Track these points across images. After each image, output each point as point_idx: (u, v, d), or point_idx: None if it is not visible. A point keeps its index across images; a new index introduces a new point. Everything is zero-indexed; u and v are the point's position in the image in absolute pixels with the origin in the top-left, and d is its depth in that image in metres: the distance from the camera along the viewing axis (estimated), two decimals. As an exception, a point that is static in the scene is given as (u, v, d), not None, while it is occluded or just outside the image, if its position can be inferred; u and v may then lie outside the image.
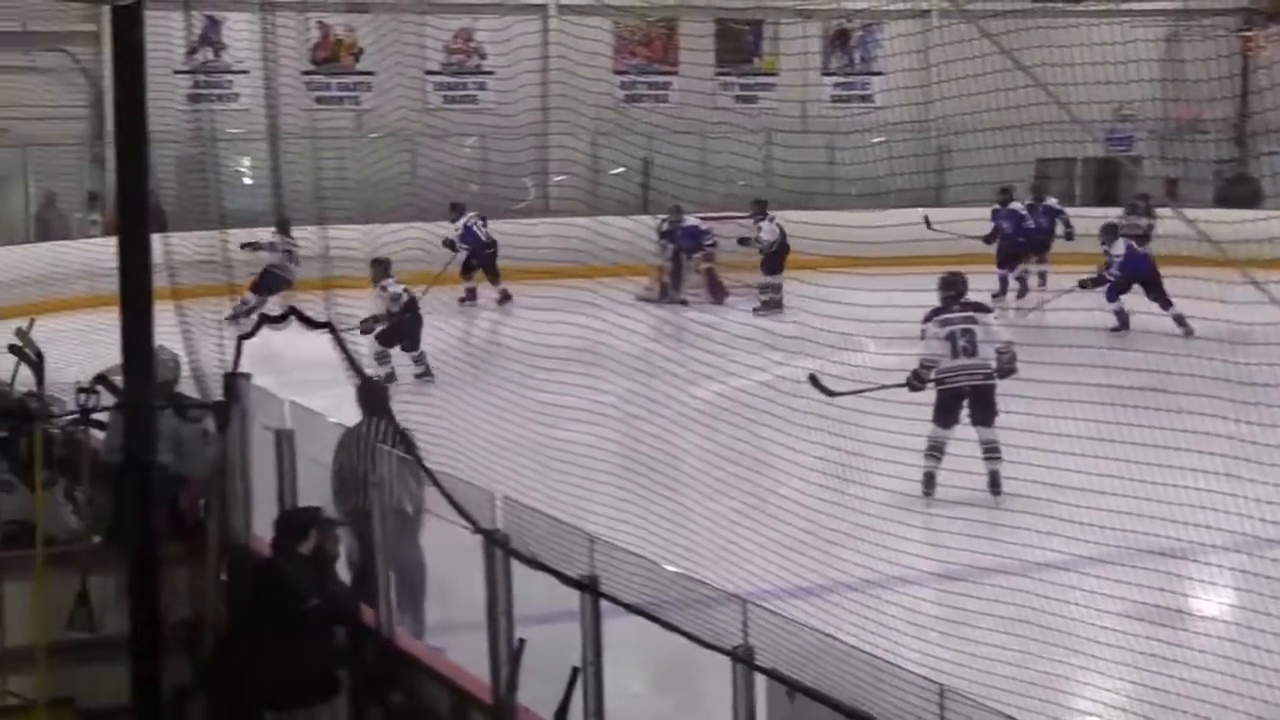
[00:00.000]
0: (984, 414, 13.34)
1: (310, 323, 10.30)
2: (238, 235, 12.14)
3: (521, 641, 7.52)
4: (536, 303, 14.15)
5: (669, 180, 24.05)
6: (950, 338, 13.58)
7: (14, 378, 15.15)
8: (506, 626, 7.58)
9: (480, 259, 24.46)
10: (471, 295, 23.96)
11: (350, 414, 10.48)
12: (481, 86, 30.15)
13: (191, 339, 11.71)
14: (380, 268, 18.86)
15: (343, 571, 9.53)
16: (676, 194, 24.08)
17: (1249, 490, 8.41)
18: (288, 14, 20.20)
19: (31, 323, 17.33)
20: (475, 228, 24.57)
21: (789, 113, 31.31)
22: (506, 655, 7.56)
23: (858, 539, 10.37)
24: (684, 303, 24.19)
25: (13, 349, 16.28)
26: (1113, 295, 20.69)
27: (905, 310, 11.98)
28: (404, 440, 9.64)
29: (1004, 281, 24.42)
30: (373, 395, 10.12)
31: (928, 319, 13.84)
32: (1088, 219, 23.80)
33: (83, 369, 13.81)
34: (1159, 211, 23.64)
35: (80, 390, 11.34)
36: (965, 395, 13.46)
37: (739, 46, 31.67)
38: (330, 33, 29.32)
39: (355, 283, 18.34)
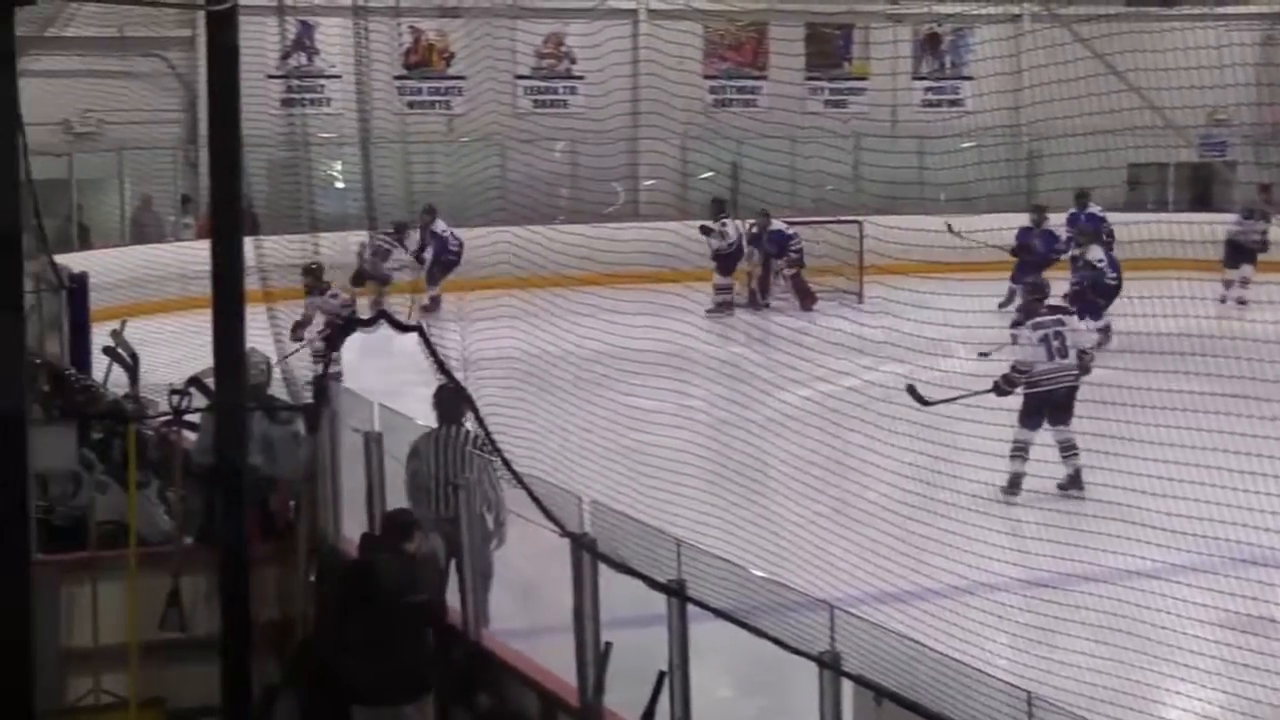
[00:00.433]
0: (1065, 415, 13.43)
1: (399, 325, 10.35)
2: (329, 239, 12.21)
3: (608, 645, 7.53)
4: (625, 307, 14.14)
5: (758, 185, 24.00)
6: (1045, 341, 13.63)
7: (107, 379, 15.31)
8: (593, 630, 7.59)
9: (445, 266, 23.81)
10: (435, 304, 22.48)
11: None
12: (572, 91, 30.19)
13: (282, 342, 11.79)
14: (315, 275, 18.92)
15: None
16: (765, 199, 24.04)
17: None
18: (380, 19, 20.32)
19: (123, 324, 17.53)
20: (445, 234, 24.21)
21: (879, 117, 31.19)
22: (593, 658, 7.56)
23: (945, 544, 10.30)
24: (767, 306, 24.16)
25: (107, 351, 16.47)
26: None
27: (995, 315, 11.91)
28: (485, 446, 9.67)
29: (1011, 294, 24.04)
30: (449, 402, 10.14)
31: (1017, 324, 13.86)
32: (1183, 225, 23.53)
33: (176, 371, 13.95)
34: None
35: (173, 392, 11.44)
36: (1058, 396, 13.42)
37: (829, 51, 31.58)
38: (422, 37, 29.45)
39: (444, 286, 18.44)
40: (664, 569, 6.91)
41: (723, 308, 23.71)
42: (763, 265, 24.93)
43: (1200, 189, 31.79)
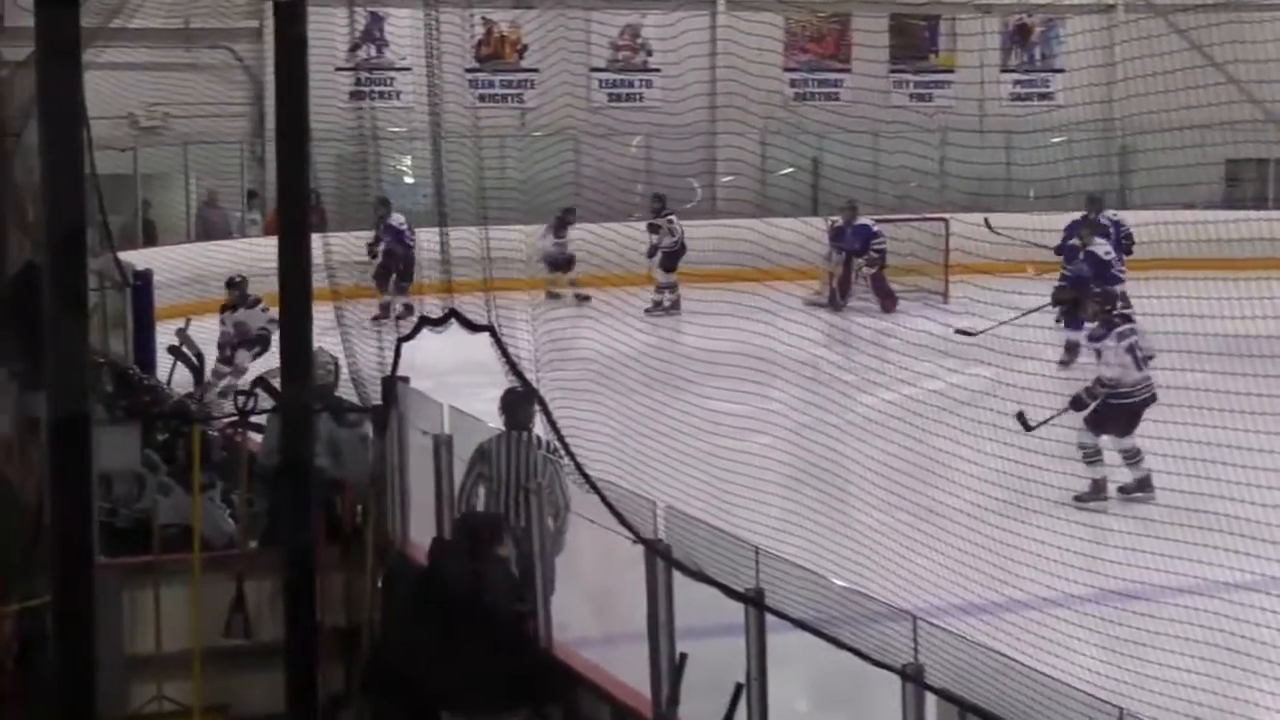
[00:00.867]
0: (1133, 426, 13.40)
1: (470, 325, 10.37)
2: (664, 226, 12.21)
3: (683, 656, 7.52)
4: (703, 307, 14.13)
5: (840, 181, 23.94)
6: (1131, 350, 13.57)
7: (170, 378, 15.42)
8: (668, 640, 7.58)
9: (400, 265, 22.99)
10: (385, 312, 20.43)
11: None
12: (648, 84, 30.21)
13: (350, 341, 11.84)
14: (240, 288, 18.87)
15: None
16: (847, 195, 23.96)
17: None
18: (451, 10, 20.35)
19: (188, 323, 17.67)
20: (402, 228, 23.41)
21: (966, 111, 31.07)
22: (668, 669, 7.56)
23: (1033, 554, 10.24)
24: (846, 306, 24.09)
25: (172, 350, 16.61)
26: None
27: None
28: (555, 452, 9.68)
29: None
30: (517, 407, 10.15)
31: (1097, 336, 13.75)
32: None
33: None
34: None
35: (238, 393, 11.52)
36: (1145, 404, 13.41)
37: (914, 42, 31.47)
38: (494, 29, 29.53)
39: (517, 285, 18.44)
40: (741, 577, 6.89)
41: (659, 307, 23.45)
42: (844, 264, 24.84)
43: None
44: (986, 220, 19.93)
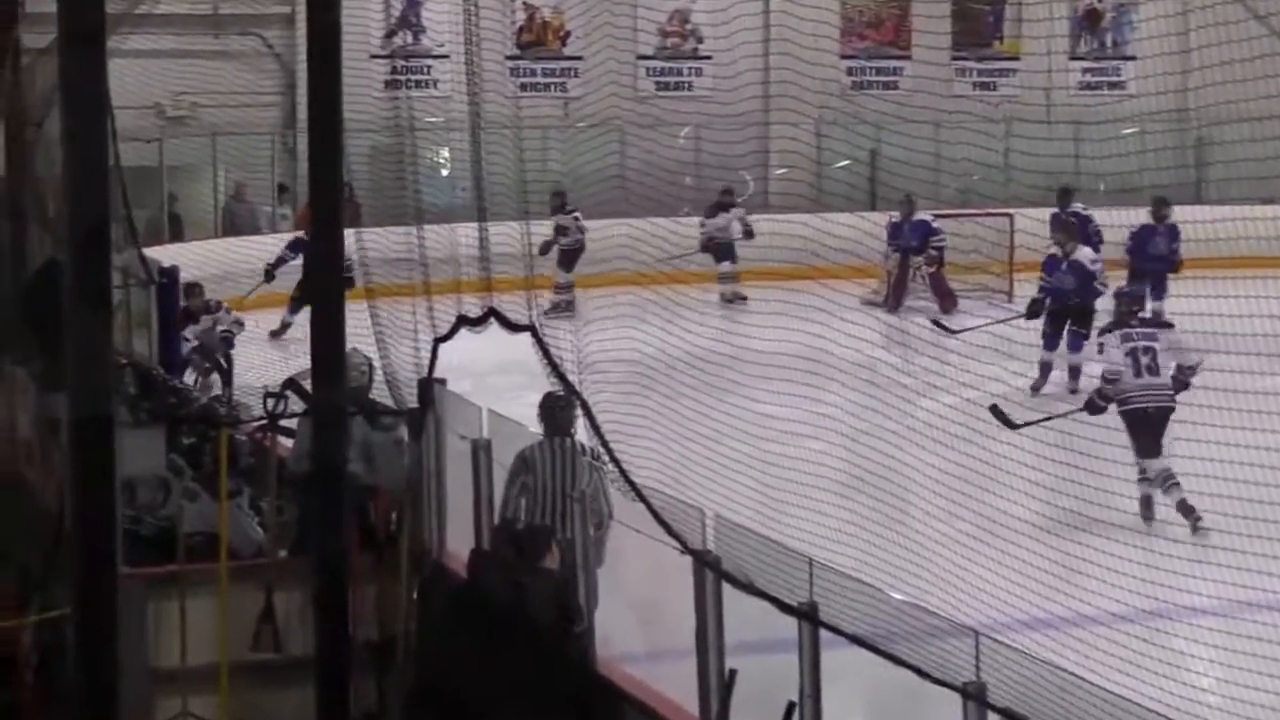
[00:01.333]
0: (1154, 444, 13.00)
1: (510, 325, 10.39)
2: (435, 231, 12.28)
3: (733, 672, 7.52)
4: (753, 305, 14.13)
5: (899, 174, 23.89)
6: (1132, 354, 13.23)
7: (197, 380, 15.48)
8: (717, 655, 7.59)
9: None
10: (285, 328, 21.53)
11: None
12: (698, 72, 30.20)
13: (385, 342, 11.87)
14: (198, 294, 18.56)
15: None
16: (907, 188, 23.90)
17: None
18: (491, -6, 20.42)
19: (215, 323, 17.73)
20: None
21: (1032, 100, 30.96)
22: (717, 686, 7.56)
23: (1103, 566, 10.21)
24: (910, 308, 24.00)
25: (198, 350, 16.66)
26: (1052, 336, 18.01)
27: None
28: (599, 458, 9.68)
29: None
30: (559, 412, 10.16)
31: (1106, 331, 13.56)
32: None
33: (271, 372, 14.07)
34: None
35: (268, 395, 11.55)
36: (1152, 416, 13.06)
37: (978, 28, 31.38)
38: (536, 15, 29.58)
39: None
40: (794, 590, 6.89)
41: (558, 309, 22.92)
42: (900, 261, 24.76)
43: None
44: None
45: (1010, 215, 24.28)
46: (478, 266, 11.09)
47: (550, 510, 9.87)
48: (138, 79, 23.69)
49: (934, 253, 24.34)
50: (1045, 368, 17.22)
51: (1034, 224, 19.80)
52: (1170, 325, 13.99)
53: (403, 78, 26.16)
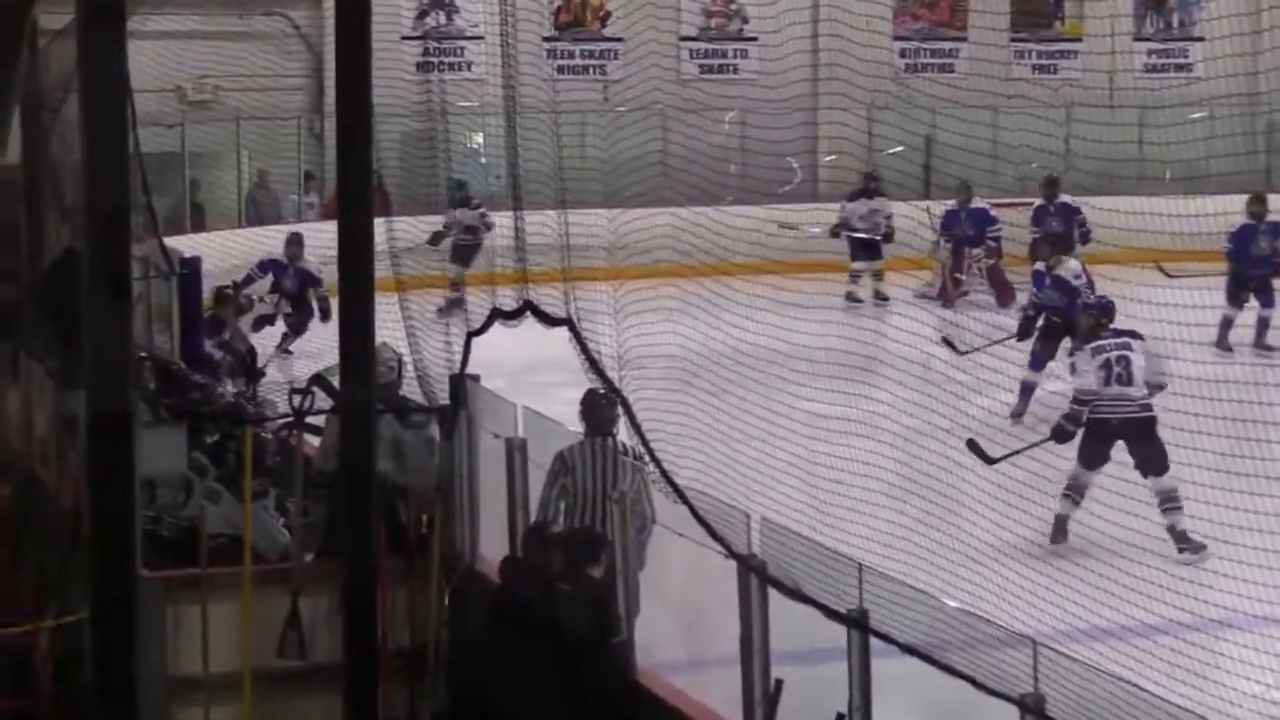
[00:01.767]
0: (1151, 457, 12.64)
1: (547, 319, 10.40)
2: (468, 219, 12.31)
3: (779, 682, 7.52)
4: (801, 299, 14.11)
5: (954, 161, 23.83)
6: (1105, 366, 12.97)
7: (220, 375, 15.50)
8: (762, 664, 7.59)
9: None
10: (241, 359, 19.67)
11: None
12: (743, 55, 30.20)
13: (416, 336, 11.90)
14: (232, 303, 18.10)
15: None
16: (962, 176, 23.84)
17: None
18: (528, -28, 20.44)
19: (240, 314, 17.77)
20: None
21: (1094, 84, 30.88)
22: (762, 697, 7.57)
23: (1168, 573, 10.18)
24: (965, 295, 23.94)
25: (222, 345, 16.71)
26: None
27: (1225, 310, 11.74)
28: (640, 458, 9.69)
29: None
30: (599, 411, 10.18)
31: (1075, 350, 13.34)
32: None
33: (297, 367, 14.11)
34: None
35: (294, 391, 11.58)
36: (1120, 431, 12.79)
37: (1038, 8, 31.32)
38: (574, -6, 29.62)
39: (597, 274, 18.49)
40: (844, 597, 6.90)
41: (454, 306, 22.36)
42: (954, 252, 24.69)
43: None
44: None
45: (1070, 204, 24.20)
46: (513, 257, 11.10)
47: (590, 513, 9.88)
48: (159, 61, 23.74)
49: (992, 243, 24.27)
50: (1027, 390, 16.38)
51: (1097, 214, 19.75)
52: (1141, 336, 13.51)
53: (435, 60, 26.26)
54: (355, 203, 10.21)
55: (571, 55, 29.42)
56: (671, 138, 25.91)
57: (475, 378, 11.12)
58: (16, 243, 16.27)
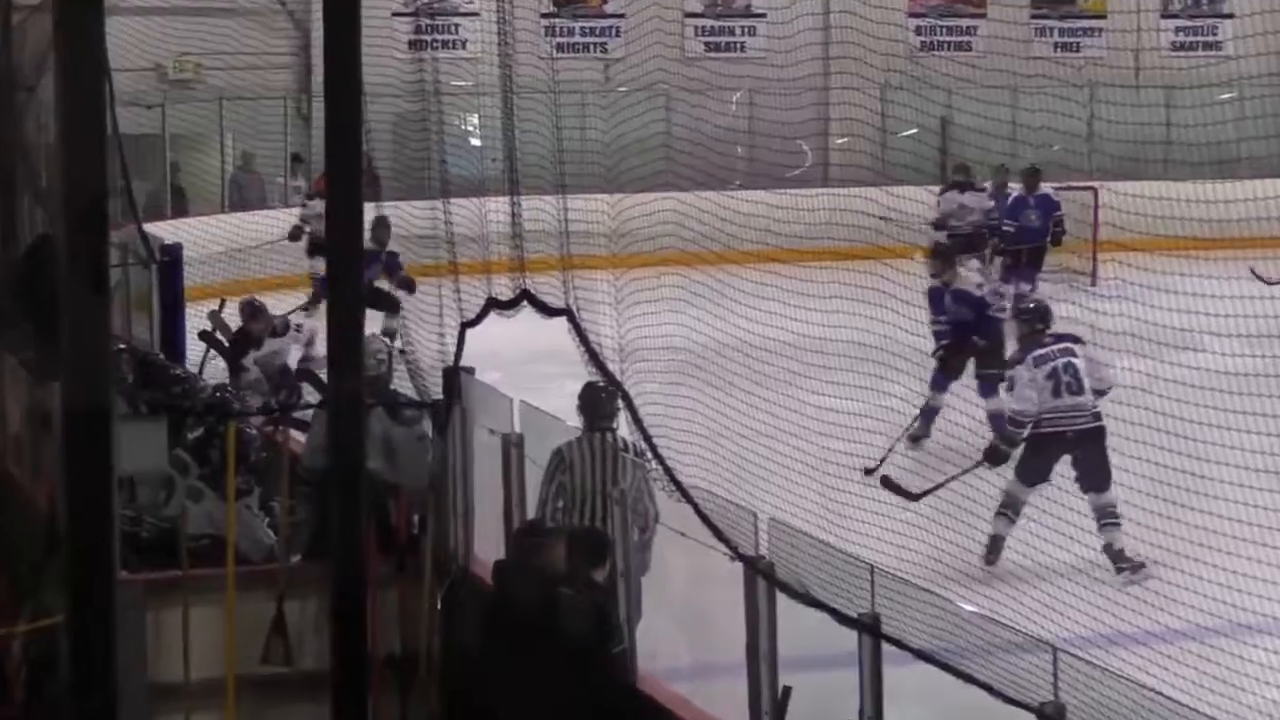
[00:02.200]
0: (1097, 470, 12.39)
1: (545, 309, 10.41)
2: (463, 205, 12.32)
3: (787, 689, 7.53)
4: (810, 289, 14.13)
5: (971, 143, 23.85)
6: (1052, 375, 12.57)
7: (203, 367, 15.53)
8: (769, 671, 7.60)
9: None
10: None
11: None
12: (751, 32, 30.22)
13: (407, 327, 11.91)
14: (264, 316, 16.78)
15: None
16: (980, 159, 23.86)
17: None
18: (525, -54, 20.44)
19: (223, 304, 17.80)
20: None
21: (1119, 63, 30.88)
22: (769, 705, 7.57)
23: (1194, 576, 10.19)
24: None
25: (204, 335, 16.71)
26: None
27: (1258, 302, 11.75)
28: (642, 455, 9.69)
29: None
30: (599, 405, 10.19)
31: (1013, 363, 12.84)
32: None
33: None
34: None
35: (280, 385, 11.58)
36: (1074, 443, 12.51)
37: (1060, -16, 31.38)
38: (574, -32, 29.64)
39: (598, 262, 18.51)
40: (854, 600, 6.90)
41: (315, 304, 21.37)
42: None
43: None
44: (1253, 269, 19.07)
45: (1094, 189, 24.21)
46: (509, 244, 11.11)
47: (590, 512, 9.89)
48: (138, 38, 23.77)
49: (1059, 230, 23.71)
50: (929, 414, 15.52)
51: (1121, 199, 19.74)
52: (1081, 340, 13.28)
53: (428, 37, 26.23)
54: (344, 187, 10.21)
55: (571, 32, 29.43)
56: (676, 119, 25.96)
57: (470, 370, 11.13)
58: (-11, 229, 16.29)
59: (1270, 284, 16.43)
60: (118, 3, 14.14)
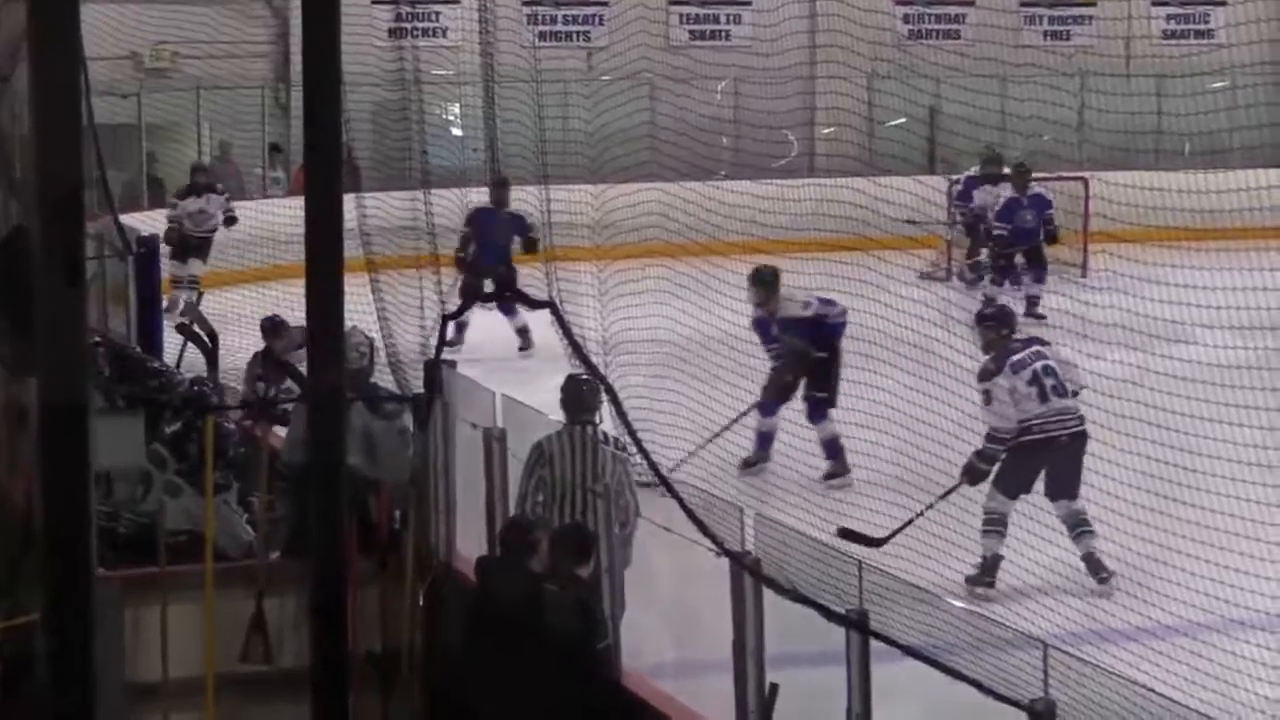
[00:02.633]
0: (1072, 480, 12.01)
1: (529, 301, 10.42)
2: (444, 196, 12.32)
3: (774, 686, 7.54)
4: (796, 281, 14.14)
5: (960, 133, 23.86)
6: (1034, 381, 12.15)
7: (180, 361, 15.50)
8: (756, 668, 7.60)
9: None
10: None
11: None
12: (736, 20, 30.20)
13: (388, 320, 11.90)
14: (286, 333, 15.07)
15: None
16: (969, 149, 23.87)
17: None
18: (506, -67, 20.40)
19: (200, 297, 17.79)
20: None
21: (1109, 52, 30.89)
22: (756, 703, 7.58)
23: (1187, 571, 10.21)
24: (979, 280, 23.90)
25: (181, 329, 16.71)
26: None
27: (1250, 294, 11.76)
28: (625, 449, 9.70)
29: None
30: (581, 398, 10.19)
31: (985, 376, 12.24)
32: None
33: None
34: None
35: (258, 379, 11.55)
36: (1062, 447, 12.11)
37: (1049, -29, 31.38)
38: (556, -46, 29.60)
39: (581, 253, 18.56)
40: (842, 596, 6.91)
41: (191, 311, 20.54)
42: (969, 231, 24.63)
43: None
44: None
45: (1085, 179, 24.19)
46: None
47: (570, 507, 9.89)
48: (114, 27, 23.73)
49: (1051, 229, 23.46)
50: (766, 438, 14.70)
51: (1111, 188, 19.77)
52: (1047, 342, 13.06)
53: (408, 25, 26.23)
54: (323, 177, 10.19)
55: (553, 20, 29.40)
56: (660, 108, 25.94)
57: (451, 364, 11.13)
58: (-38, 221, 16.25)
59: (770, 316, 14.82)
60: (93, -10, 14.12)
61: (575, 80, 26.72)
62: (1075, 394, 12.24)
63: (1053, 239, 22.27)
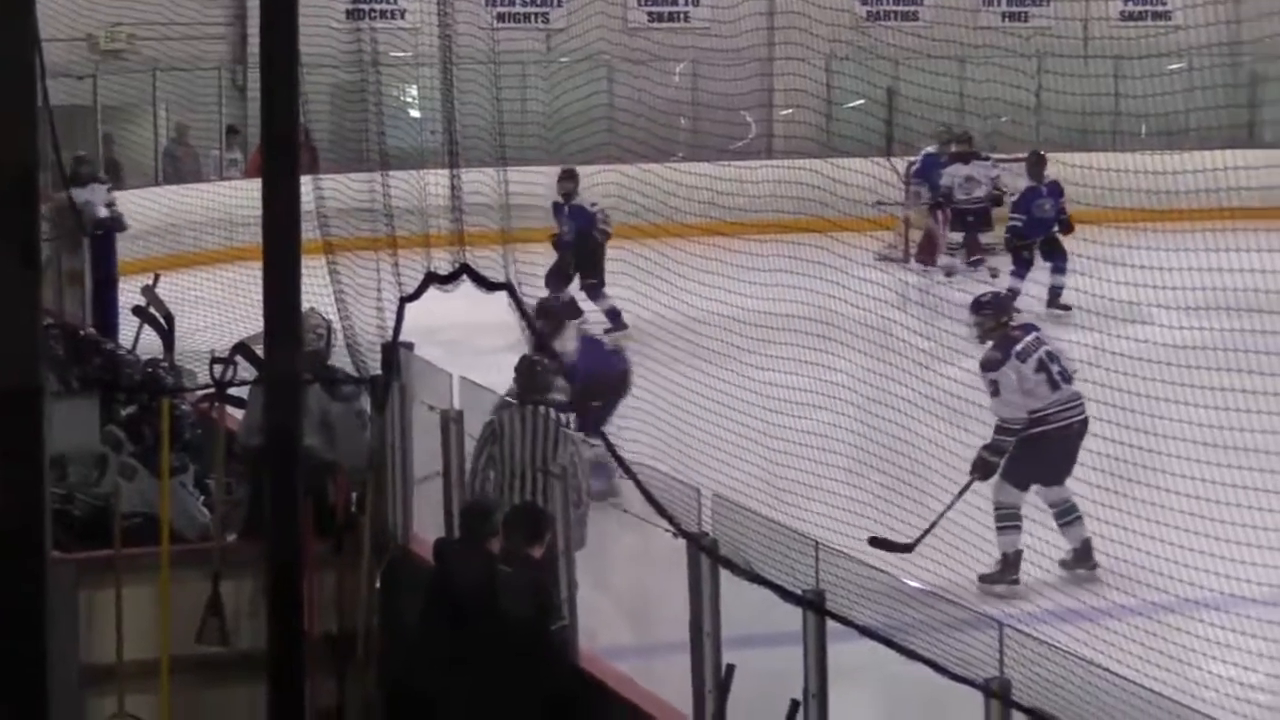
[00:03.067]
0: (1066, 466, 11.99)
1: (485, 283, 10.41)
2: (402, 178, 12.28)
3: (730, 668, 7.55)
4: (754, 262, 14.14)
5: (918, 115, 23.88)
6: (1041, 368, 12.13)
7: (136, 343, 15.46)
8: (713, 649, 7.61)
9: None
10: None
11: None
12: (694, 2, 30.18)
13: (345, 302, 11.88)
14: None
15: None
16: (927, 130, 23.89)
17: None
18: (464, -87, 20.36)
19: (156, 279, 17.74)
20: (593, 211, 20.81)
21: (1067, 33, 30.94)
22: (712, 683, 7.59)
23: (1144, 551, 10.24)
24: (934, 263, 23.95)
25: (137, 311, 16.65)
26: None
27: (1206, 274, 11.79)
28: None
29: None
30: (535, 375, 10.19)
31: (992, 365, 12.16)
32: None
33: (218, 336, 14.03)
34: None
35: (215, 361, 11.54)
36: (1075, 435, 12.03)
37: (1008, -48, 31.42)
38: (514, -64, 29.56)
39: (538, 235, 18.53)
40: (799, 577, 6.92)
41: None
42: (931, 211, 24.65)
43: None
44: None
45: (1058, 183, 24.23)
46: (449, 218, 11.09)
47: (521, 486, 9.89)
48: (68, 7, 23.61)
49: (1065, 217, 23.26)
50: (613, 315, 15.66)
51: (1069, 170, 19.80)
52: (1038, 328, 12.99)
53: (366, 7, 26.16)
54: (280, 159, 10.16)
55: (512, 2, 29.35)
56: (618, 90, 25.94)
57: (409, 346, 11.11)
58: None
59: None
60: (47, -29, 14.07)
61: (534, 62, 26.72)
62: (1067, 380, 12.17)
63: (1067, 228, 21.58)
